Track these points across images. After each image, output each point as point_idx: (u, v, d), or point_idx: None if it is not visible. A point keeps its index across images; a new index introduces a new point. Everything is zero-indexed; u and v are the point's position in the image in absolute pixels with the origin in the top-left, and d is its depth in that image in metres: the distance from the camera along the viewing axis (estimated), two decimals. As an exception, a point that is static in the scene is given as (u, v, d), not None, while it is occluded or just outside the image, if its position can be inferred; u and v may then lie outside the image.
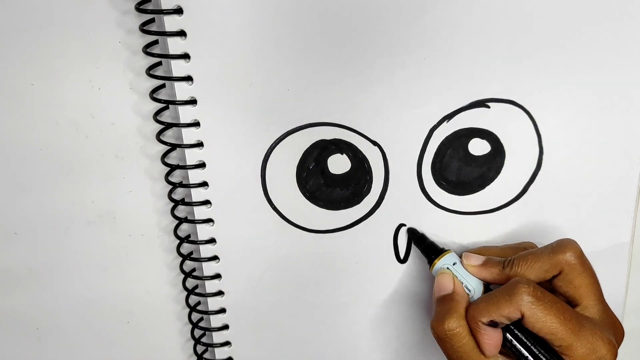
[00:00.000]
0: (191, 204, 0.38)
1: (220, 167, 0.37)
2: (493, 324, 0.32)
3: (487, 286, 0.35)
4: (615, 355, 0.32)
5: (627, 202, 0.38)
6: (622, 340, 0.34)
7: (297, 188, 0.38)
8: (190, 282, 0.42)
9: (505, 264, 0.34)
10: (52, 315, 0.43)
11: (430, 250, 0.37)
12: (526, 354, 0.33)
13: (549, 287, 0.34)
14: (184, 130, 0.36)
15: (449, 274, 0.36)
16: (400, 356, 0.43)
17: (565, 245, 0.33)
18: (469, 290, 0.35)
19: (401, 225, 0.39)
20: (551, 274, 0.33)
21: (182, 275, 0.41)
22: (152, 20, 0.35)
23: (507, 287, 0.32)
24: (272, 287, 0.41)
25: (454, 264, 0.36)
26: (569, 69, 0.35)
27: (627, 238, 0.39)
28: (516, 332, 0.33)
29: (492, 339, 0.33)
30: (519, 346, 0.33)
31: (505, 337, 0.33)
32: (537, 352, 0.32)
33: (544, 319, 0.31)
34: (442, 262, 0.36)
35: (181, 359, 0.45)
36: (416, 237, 0.39)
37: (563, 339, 0.31)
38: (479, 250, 0.37)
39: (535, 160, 0.37)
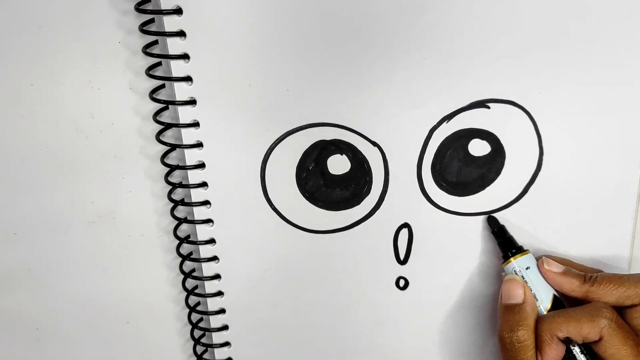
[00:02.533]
0: (191, 204, 0.38)
1: (219, 168, 0.37)
2: (567, 341, 0.33)
3: (556, 300, 0.35)
4: None
5: (628, 203, 0.38)
6: None
7: (297, 188, 0.38)
8: (190, 283, 0.42)
9: (587, 278, 0.34)
10: (52, 315, 0.43)
11: (508, 246, 0.37)
12: None
13: (620, 315, 0.34)
14: (184, 131, 0.36)
15: (520, 282, 0.35)
16: (399, 356, 0.43)
17: None
18: (537, 300, 0.35)
19: (402, 226, 0.39)
20: (631, 301, 0.33)
21: (182, 276, 0.41)
22: (151, 21, 0.35)
23: (590, 307, 0.33)
24: (271, 287, 0.41)
25: (527, 268, 0.36)
26: (570, 69, 0.35)
27: (627, 238, 0.39)
28: (581, 352, 0.33)
29: (556, 354, 0.33)
30: None
31: (567, 356, 0.33)
32: None
33: (619, 347, 0.31)
34: (517, 262, 0.36)
35: (181, 359, 0.45)
36: (497, 228, 0.38)
37: None
38: (558, 260, 0.37)
39: (536, 161, 0.37)
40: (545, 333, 0.33)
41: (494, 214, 0.38)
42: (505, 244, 0.37)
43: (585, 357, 0.33)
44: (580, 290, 0.34)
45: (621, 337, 0.31)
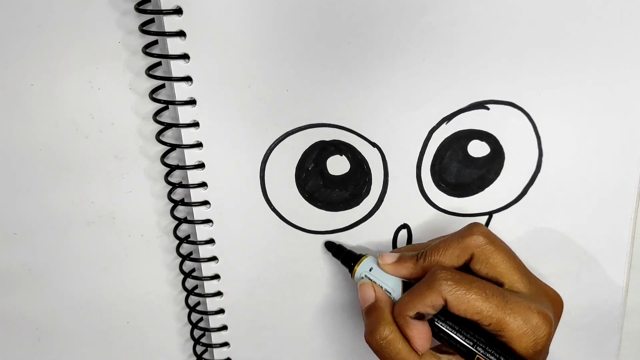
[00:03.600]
0: (190, 204, 0.38)
1: (219, 168, 0.37)
2: (420, 316, 0.32)
3: (407, 284, 0.35)
4: (551, 324, 0.31)
5: (627, 204, 0.38)
6: (561, 310, 0.34)
7: (296, 189, 0.38)
8: (190, 283, 0.42)
9: (418, 256, 0.34)
10: (52, 315, 0.43)
11: (349, 259, 0.37)
12: (457, 337, 0.32)
13: (470, 273, 0.33)
14: (184, 131, 0.36)
15: (368, 283, 0.35)
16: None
17: (471, 228, 0.34)
18: (389, 292, 0.35)
19: (401, 227, 0.39)
20: (464, 258, 0.33)
21: (182, 276, 0.41)
22: (151, 21, 0.35)
23: (426, 277, 0.33)
24: (270, 288, 0.41)
25: (370, 270, 0.36)
26: (569, 70, 0.35)
27: (627, 239, 0.39)
28: (443, 320, 0.32)
29: (421, 332, 0.32)
30: (449, 332, 0.32)
31: (435, 330, 0.33)
32: (468, 335, 0.32)
33: (466, 300, 0.31)
34: (360, 269, 0.36)
35: (180, 359, 0.45)
36: (334, 249, 0.38)
37: (490, 316, 0.31)
38: (394, 251, 0.37)
39: (535, 162, 0.37)
40: (399, 318, 0.33)
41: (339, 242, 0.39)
42: (346, 260, 0.37)
43: (447, 323, 0.32)
44: (417, 270, 0.34)
45: (463, 290, 0.31)
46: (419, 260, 0.34)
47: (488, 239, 0.33)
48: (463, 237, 0.33)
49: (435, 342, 0.33)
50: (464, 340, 0.32)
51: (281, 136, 0.37)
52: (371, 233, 0.39)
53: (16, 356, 0.44)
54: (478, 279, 0.32)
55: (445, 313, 0.32)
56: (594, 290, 0.41)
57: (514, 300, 0.31)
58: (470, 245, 0.33)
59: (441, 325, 0.32)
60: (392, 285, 0.35)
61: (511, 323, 0.30)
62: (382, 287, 0.35)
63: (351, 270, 0.37)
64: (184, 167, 0.37)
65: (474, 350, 0.32)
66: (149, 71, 0.36)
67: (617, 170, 0.37)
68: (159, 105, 0.37)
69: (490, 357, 0.31)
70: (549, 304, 0.33)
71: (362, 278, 0.36)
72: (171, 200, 0.39)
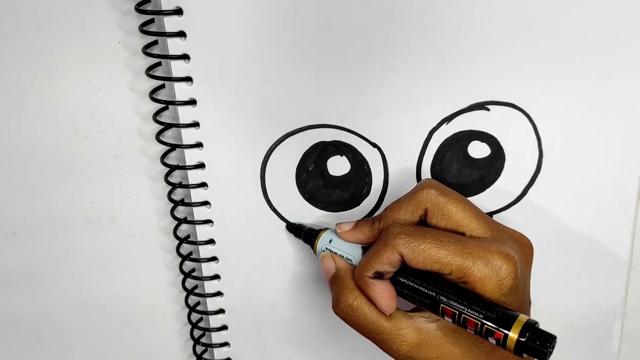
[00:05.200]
0: (191, 204, 0.38)
1: (219, 168, 0.37)
2: (379, 275, 0.32)
3: (367, 249, 0.34)
4: (515, 264, 0.30)
5: (627, 204, 0.38)
6: (531, 253, 0.33)
7: (297, 189, 0.38)
8: (190, 283, 0.42)
9: (374, 220, 0.34)
10: (52, 315, 0.43)
11: (310, 236, 0.37)
12: (420, 288, 0.31)
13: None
14: (184, 131, 0.36)
15: (328, 255, 0.35)
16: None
17: (422, 183, 0.33)
18: (350, 260, 0.35)
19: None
20: (418, 214, 0.33)
21: (182, 276, 0.41)
22: (151, 21, 0.35)
23: (381, 235, 0.32)
24: (270, 288, 0.41)
25: (330, 242, 0.36)
26: (569, 72, 0.35)
27: (627, 239, 0.39)
28: (405, 277, 0.32)
29: (383, 291, 0.32)
30: (411, 284, 0.32)
31: (399, 288, 0.32)
32: (430, 286, 0.31)
33: (422, 250, 0.30)
34: (320, 243, 0.36)
35: (180, 359, 0.45)
36: (294, 230, 0.38)
37: (448, 262, 0.30)
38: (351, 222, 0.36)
39: (535, 163, 0.37)
40: (359, 281, 0.33)
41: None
42: (307, 238, 0.37)
43: (409, 279, 0.32)
44: (373, 233, 0.34)
45: (418, 242, 0.30)
46: (374, 223, 0.34)
47: (439, 190, 0.33)
48: (414, 193, 0.33)
49: (406, 306, 0.33)
50: (428, 291, 0.31)
51: (282, 137, 0.37)
52: (371, 234, 0.39)
53: (16, 356, 0.44)
54: (433, 229, 0.32)
55: (406, 269, 0.32)
56: (594, 290, 0.41)
57: (472, 244, 0.30)
58: (422, 200, 0.32)
59: (403, 280, 0.32)
60: (352, 252, 0.34)
61: (471, 266, 0.29)
62: (342, 257, 0.35)
63: (312, 246, 0.37)
64: (184, 167, 0.37)
65: (438, 299, 0.31)
66: (149, 71, 0.36)
67: (617, 170, 0.37)
68: (159, 106, 0.37)
69: (454, 304, 0.30)
70: (515, 246, 0.32)
71: (324, 251, 0.36)
72: (171, 200, 0.39)
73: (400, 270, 0.32)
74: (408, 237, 0.31)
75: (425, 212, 0.33)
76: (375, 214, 0.34)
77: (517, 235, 0.33)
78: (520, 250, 0.32)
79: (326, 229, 0.37)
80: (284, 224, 0.39)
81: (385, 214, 0.34)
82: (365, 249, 0.34)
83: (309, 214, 0.38)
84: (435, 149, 0.37)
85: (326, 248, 0.36)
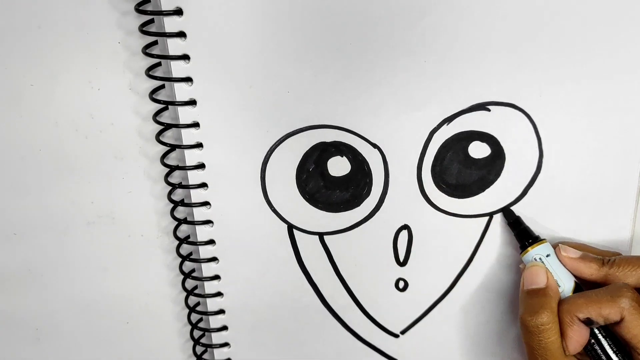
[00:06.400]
0: (190, 205, 0.38)
1: (219, 169, 0.37)
2: (588, 322, 0.33)
3: (577, 287, 0.35)
4: None
5: (627, 205, 0.38)
6: None
7: (297, 190, 0.38)
8: (190, 283, 0.42)
9: (605, 261, 0.34)
10: (52, 315, 0.43)
11: (525, 236, 0.37)
12: (613, 355, 0.33)
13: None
14: (184, 131, 0.36)
15: (542, 267, 0.35)
16: (399, 357, 0.43)
17: None
18: (559, 285, 0.35)
19: (401, 227, 0.39)
20: None
21: (182, 276, 0.41)
22: (151, 21, 0.35)
23: (610, 288, 0.33)
24: (270, 288, 0.41)
25: (547, 256, 0.36)
26: (569, 72, 0.35)
27: (627, 239, 0.39)
28: (603, 334, 0.33)
29: (580, 336, 0.33)
30: (607, 348, 0.33)
31: (591, 340, 0.33)
32: (620, 355, 0.33)
33: None
34: (535, 251, 0.36)
35: (180, 359, 0.45)
36: (512, 220, 0.38)
37: None
38: (574, 246, 0.37)
39: (535, 163, 0.37)
40: (566, 315, 0.33)
41: (511, 207, 0.38)
42: (521, 235, 0.37)
43: (607, 340, 0.33)
44: (599, 273, 0.34)
45: None
46: (605, 265, 0.34)
47: None
48: None
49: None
50: (614, 356, 0.33)
51: (282, 137, 0.37)
52: (372, 234, 0.39)
53: (16, 356, 0.44)
54: None
55: (607, 328, 0.33)
56: (594, 290, 0.41)
57: None
58: None
59: (601, 338, 0.33)
60: (565, 280, 0.35)
61: None
62: (553, 277, 0.35)
63: (523, 247, 0.37)
64: (184, 168, 0.37)
65: None
66: (149, 71, 0.36)
67: (617, 170, 0.37)
68: (159, 106, 0.37)
69: None
70: None
71: (536, 260, 0.36)
72: (171, 200, 0.39)
73: (602, 326, 0.33)
74: (638, 308, 0.31)
75: None
76: (607, 258, 0.35)
77: None
78: None
79: (545, 240, 0.37)
80: (285, 224, 0.39)
81: (620, 263, 0.34)
82: (578, 285, 0.35)
83: (309, 215, 0.38)
84: (436, 150, 0.37)
85: (540, 259, 0.36)
